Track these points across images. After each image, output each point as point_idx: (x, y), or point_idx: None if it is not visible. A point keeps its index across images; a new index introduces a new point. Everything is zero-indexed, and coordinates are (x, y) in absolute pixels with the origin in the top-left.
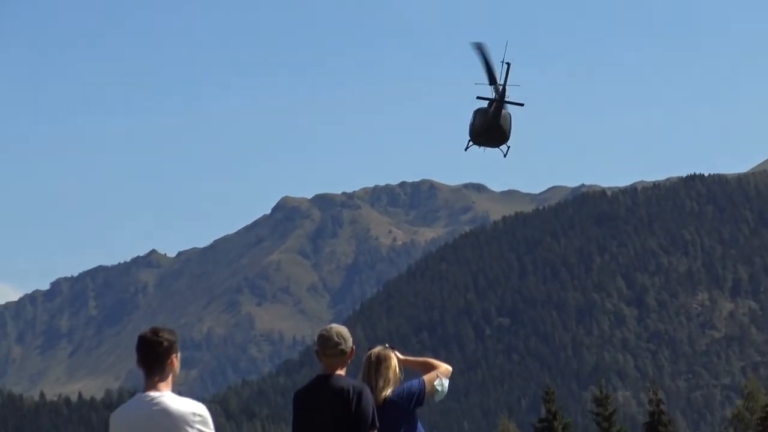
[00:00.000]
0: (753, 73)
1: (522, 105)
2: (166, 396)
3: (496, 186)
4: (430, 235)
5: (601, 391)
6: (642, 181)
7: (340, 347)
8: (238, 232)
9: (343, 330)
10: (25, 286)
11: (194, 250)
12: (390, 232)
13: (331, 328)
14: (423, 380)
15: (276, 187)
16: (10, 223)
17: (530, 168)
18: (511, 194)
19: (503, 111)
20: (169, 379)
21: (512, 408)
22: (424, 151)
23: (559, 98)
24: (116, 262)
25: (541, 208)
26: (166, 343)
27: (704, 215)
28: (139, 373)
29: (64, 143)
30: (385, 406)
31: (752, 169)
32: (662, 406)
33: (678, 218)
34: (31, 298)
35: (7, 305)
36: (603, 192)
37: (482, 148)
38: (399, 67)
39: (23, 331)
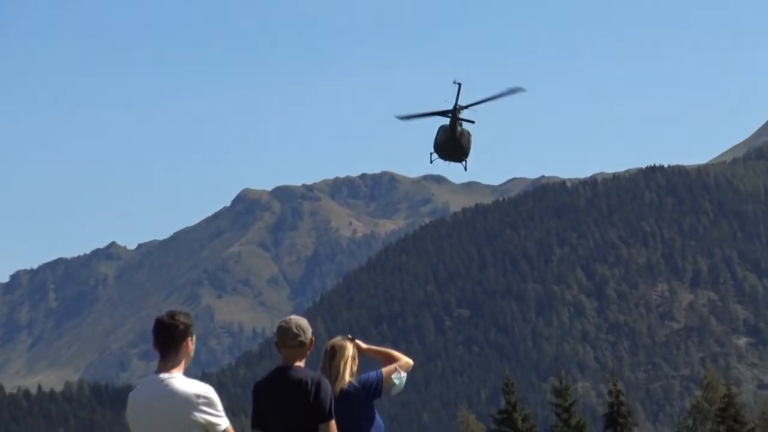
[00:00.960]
0: (712, 66)
1: (473, 122)
2: (175, 378)
3: (456, 178)
4: (390, 227)
5: (560, 383)
6: (602, 173)
7: (299, 338)
8: (198, 224)
9: (302, 321)
10: None
11: (154, 243)
12: (350, 224)
13: (290, 319)
14: (381, 372)
15: (236, 180)
16: None
17: (490, 160)
18: (471, 186)
19: (463, 129)
20: (183, 362)
21: (472, 399)
22: (384, 143)
23: (526, 82)
24: (76, 254)
25: (501, 199)
26: (182, 327)
27: (664, 207)
28: (99, 366)
29: (25, 136)
30: (342, 396)
31: (712, 160)
32: (622, 397)
33: (638, 210)
34: None
35: None
36: (563, 183)
37: (446, 161)
38: (359, 60)
39: None
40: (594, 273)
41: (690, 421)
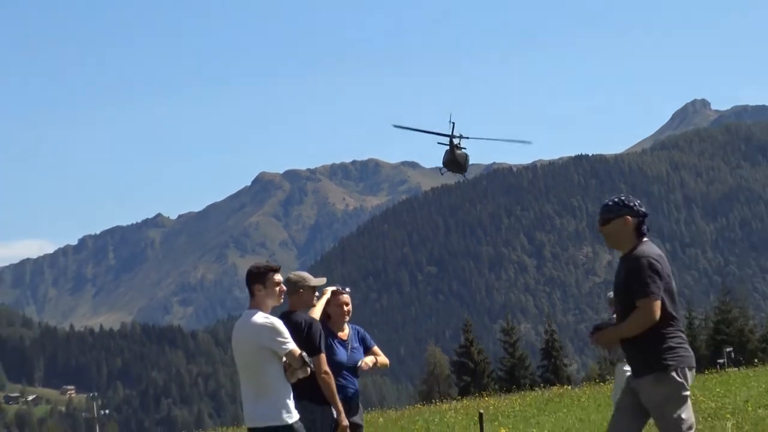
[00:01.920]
0: (627, 67)
1: (464, 148)
2: (255, 313)
3: (427, 164)
4: (375, 202)
5: (507, 324)
6: (540, 160)
7: (298, 287)
8: (225, 200)
9: (303, 274)
10: (58, 242)
11: (191, 214)
12: (344, 200)
13: (293, 273)
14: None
15: (255, 164)
16: (48, 190)
17: None
18: (438, 170)
19: (461, 152)
20: (265, 301)
21: (438, 337)
22: (370, 135)
23: (475, 86)
24: (130, 222)
25: (461, 181)
26: (255, 271)
27: (588, 187)
28: (147, 310)
29: (85, 133)
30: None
31: (626, 150)
32: (555, 336)
33: (568, 189)
34: (63, 251)
35: (45, 257)
36: (510, 168)
37: (452, 173)
38: (352, 63)
39: (57, 277)
40: (534, 238)
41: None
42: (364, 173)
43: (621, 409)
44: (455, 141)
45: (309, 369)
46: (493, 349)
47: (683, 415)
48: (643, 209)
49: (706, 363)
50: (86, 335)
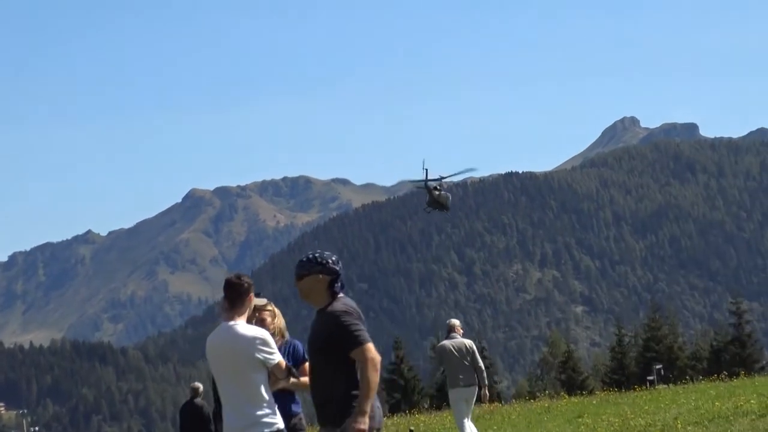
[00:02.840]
0: (557, 84)
1: (439, 190)
2: (239, 325)
3: (358, 180)
4: (305, 219)
5: (438, 341)
6: (471, 177)
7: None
8: (156, 216)
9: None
10: None
11: (122, 230)
12: (275, 216)
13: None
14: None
15: (186, 181)
16: None
17: (384, 166)
18: (369, 187)
19: (441, 193)
20: (245, 312)
21: None
22: (301, 152)
23: (410, 106)
24: (60, 239)
25: (392, 197)
26: (246, 285)
27: (518, 204)
28: (78, 327)
29: (14, 149)
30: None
31: (556, 167)
32: (485, 352)
33: (498, 206)
34: None
35: None
36: None
37: (437, 210)
38: (285, 82)
39: None
40: (464, 255)
41: (539, 371)
42: (294, 190)
43: None
44: (433, 185)
45: (291, 380)
46: (423, 366)
47: None
48: (336, 267)
49: (635, 380)
50: (16, 352)
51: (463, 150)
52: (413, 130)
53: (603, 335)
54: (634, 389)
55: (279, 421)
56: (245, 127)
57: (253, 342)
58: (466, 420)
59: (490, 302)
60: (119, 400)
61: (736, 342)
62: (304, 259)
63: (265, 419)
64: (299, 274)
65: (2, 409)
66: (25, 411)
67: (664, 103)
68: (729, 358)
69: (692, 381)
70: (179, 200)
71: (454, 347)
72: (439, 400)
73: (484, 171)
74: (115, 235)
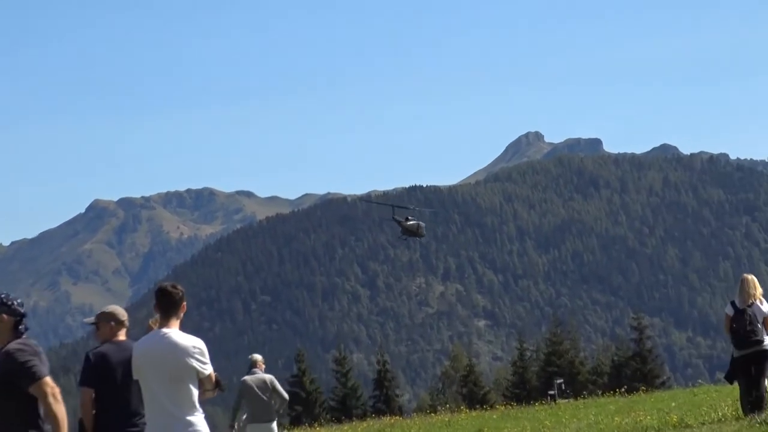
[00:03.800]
0: (462, 98)
1: (410, 220)
2: (174, 332)
3: (262, 193)
4: (209, 230)
5: (340, 354)
6: (375, 190)
7: (110, 320)
8: (59, 227)
9: (117, 309)
10: None
11: (24, 240)
12: (178, 228)
13: (111, 306)
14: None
15: (89, 191)
16: None
17: (288, 178)
18: (273, 200)
19: (414, 223)
20: (178, 321)
21: (271, 366)
22: (206, 164)
23: (314, 119)
24: None
25: (296, 210)
26: (180, 294)
27: (422, 217)
28: None
29: None
30: None
31: (460, 181)
32: (387, 366)
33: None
34: None
35: None
36: (344, 198)
37: (412, 238)
38: (189, 93)
39: None
40: (368, 268)
41: (440, 385)
42: (198, 202)
43: None
44: (401, 217)
45: (219, 391)
46: (325, 379)
47: None
48: (20, 309)
49: (536, 394)
50: None
51: (366, 163)
52: (317, 144)
53: (505, 349)
54: (535, 403)
55: (207, 430)
56: (149, 137)
57: (190, 350)
58: None
59: (393, 316)
60: None
61: (637, 357)
62: None
63: (196, 427)
64: None
65: None
66: None
67: (569, 118)
68: (630, 373)
69: (593, 396)
70: (82, 211)
71: (255, 383)
72: (341, 414)
73: (387, 184)
74: (17, 246)
